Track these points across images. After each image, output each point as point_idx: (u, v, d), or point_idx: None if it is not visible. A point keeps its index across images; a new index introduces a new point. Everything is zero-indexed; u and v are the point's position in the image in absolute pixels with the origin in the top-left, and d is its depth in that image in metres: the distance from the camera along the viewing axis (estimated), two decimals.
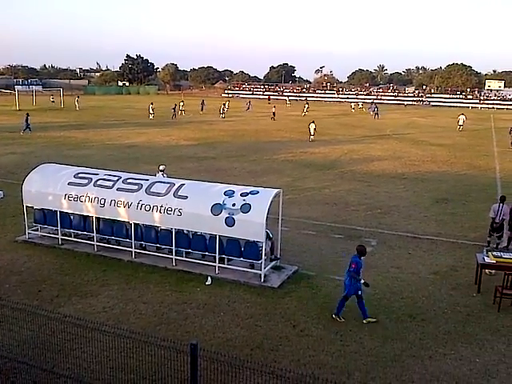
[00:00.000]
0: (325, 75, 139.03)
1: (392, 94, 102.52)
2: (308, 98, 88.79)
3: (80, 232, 14.20)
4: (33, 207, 14.69)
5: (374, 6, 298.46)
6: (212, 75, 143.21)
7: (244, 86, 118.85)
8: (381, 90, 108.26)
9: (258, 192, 12.36)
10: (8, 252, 13.60)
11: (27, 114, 38.60)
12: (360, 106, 74.58)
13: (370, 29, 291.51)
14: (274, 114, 54.33)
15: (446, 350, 9.20)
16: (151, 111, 52.04)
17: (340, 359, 8.81)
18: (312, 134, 37.10)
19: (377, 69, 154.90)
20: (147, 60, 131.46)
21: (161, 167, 17.08)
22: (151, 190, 13.19)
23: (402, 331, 9.81)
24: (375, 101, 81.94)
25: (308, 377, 6.59)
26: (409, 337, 9.61)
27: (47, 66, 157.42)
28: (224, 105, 57.23)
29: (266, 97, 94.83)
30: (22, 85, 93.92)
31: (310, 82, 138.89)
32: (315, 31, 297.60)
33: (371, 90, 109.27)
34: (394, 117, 60.62)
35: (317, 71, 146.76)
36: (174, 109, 52.32)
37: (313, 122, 37.64)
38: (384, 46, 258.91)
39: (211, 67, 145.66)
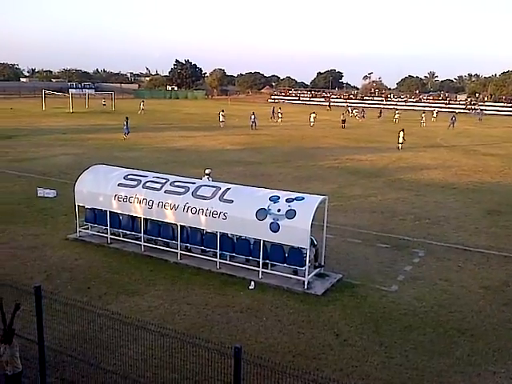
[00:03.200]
0: (373, 81, 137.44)
1: (443, 101, 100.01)
2: (355, 105, 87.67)
3: (128, 232, 14.55)
4: (84, 206, 15.17)
5: (425, 9, 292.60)
6: (259, 80, 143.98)
7: (290, 92, 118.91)
8: (431, 98, 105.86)
9: (304, 198, 12.30)
10: (60, 249, 14.08)
11: (127, 118, 39.13)
12: (398, 115, 69.31)
13: (421, 34, 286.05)
14: (343, 121, 53.16)
15: (496, 367, 8.85)
16: (222, 118, 50.06)
17: (384, 371, 8.63)
18: (401, 142, 36.78)
19: (427, 75, 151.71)
20: (195, 65, 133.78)
21: (207, 171, 17.29)
22: (197, 193, 13.36)
23: (450, 346, 9.50)
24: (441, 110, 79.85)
25: None
26: (456, 352, 9.30)
27: (99, 70, 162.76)
28: (276, 109, 58.03)
29: (326, 103, 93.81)
30: (75, 88, 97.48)
31: (357, 89, 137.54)
32: (364, 37, 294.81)
33: (421, 97, 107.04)
34: (445, 125, 59.06)
35: (365, 77, 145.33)
36: (253, 120, 48.46)
37: (402, 130, 37.33)
38: (435, 52, 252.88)
39: (258, 72, 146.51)
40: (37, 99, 76.99)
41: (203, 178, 16.46)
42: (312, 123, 53.44)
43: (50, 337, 7.28)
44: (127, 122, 38.74)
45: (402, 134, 36.99)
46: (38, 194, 19.68)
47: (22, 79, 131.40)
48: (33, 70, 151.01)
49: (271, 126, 50.84)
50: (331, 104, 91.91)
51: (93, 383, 7.70)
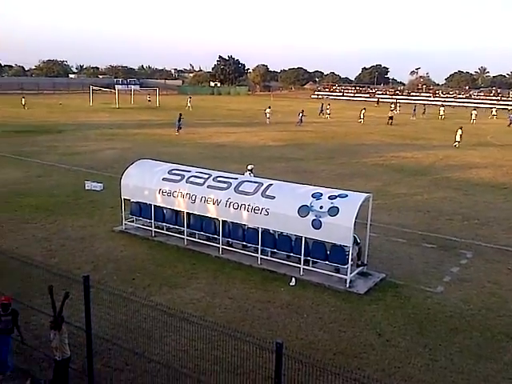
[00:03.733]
0: (420, 77, 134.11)
1: (494, 97, 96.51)
2: (401, 101, 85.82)
3: (172, 226, 14.79)
4: (129, 200, 15.52)
5: (475, 3, 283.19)
6: (302, 76, 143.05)
7: (334, 88, 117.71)
8: (482, 94, 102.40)
9: (347, 195, 12.16)
10: (106, 241, 14.48)
11: (180, 115, 39.88)
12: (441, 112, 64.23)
13: (472, 28, 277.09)
14: (391, 118, 51.97)
15: None
16: (268, 115, 49.58)
17: (428, 373, 8.44)
18: (458, 140, 36.01)
19: (478, 71, 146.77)
20: (238, 61, 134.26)
21: (249, 166, 17.33)
22: (240, 189, 13.42)
23: (498, 351, 9.20)
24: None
25: None
26: (505, 357, 8.99)
27: (144, 67, 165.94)
28: (325, 105, 57.95)
29: (371, 99, 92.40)
30: (121, 84, 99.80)
31: (403, 84, 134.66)
32: (412, 32, 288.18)
33: (471, 93, 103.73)
34: (497, 122, 57.10)
35: (412, 72, 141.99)
36: (301, 117, 48.14)
37: (460, 128, 36.50)
38: (486, 46, 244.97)
39: (301, 68, 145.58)
40: (85, 95, 79.27)
41: (245, 174, 16.52)
42: (361, 120, 52.57)
43: (97, 325, 7.49)
44: (180, 119, 39.38)
45: (459, 131, 35.98)
46: (86, 187, 20.28)
47: (70, 75, 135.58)
48: (81, 67, 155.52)
49: (315, 123, 50.44)
50: (379, 100, 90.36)
51: (137, 371, 7.89)
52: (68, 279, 7.82)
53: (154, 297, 10.49)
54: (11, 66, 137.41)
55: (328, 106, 59.12)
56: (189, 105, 63.12)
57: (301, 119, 48.09)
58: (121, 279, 11.64)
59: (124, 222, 15.45)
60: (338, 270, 12.08)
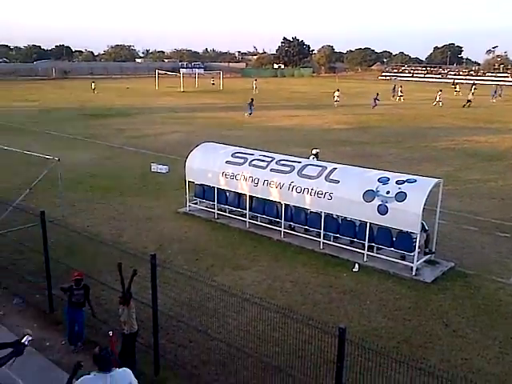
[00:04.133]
0: (497, 56, 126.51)
1: None
2: (476, 82, 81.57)
3: (234, 208, 14.94)
4: (193, 182, 15.80)
5: None
6: (369, 57, 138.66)
7: (403, 68, 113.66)
8: None
9: (416, 181, 11.74)
10: (171, 221, 14.86)
11: (252, 100, 40.30)
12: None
13: None
14: (469, 100, 48.69)
15: None
16: (336, 98, 48.59)
17: (497, 367, 8.08)
18: None
19: None
20: (303, 42, 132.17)
21: (314, 151, 17.15)
22: (303, 173, 13.31)
23: None
24: None
25: (462, 379, 6.15)
26: None
27: (208, 50, 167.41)
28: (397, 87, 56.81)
29: (444, 80, 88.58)
30: (186, 68, 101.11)
31: (478, 64, 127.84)
32: (488, 7, 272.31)
33: None
34: None
35: (488, 51, 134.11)
36: (375, 98, 47.00)
37: None
38: None
39: (368, 48, 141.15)
40: (151, 79, 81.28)
41: (310, 158, 16.36)
42: (438, 102, 49.80)
43: (162, 302, 7.71)
44: (252, 103, 39.42)
45: None
46: (152, 170, 20.87)
47: (137, 60, 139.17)
48: (147, 51, 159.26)
49: (385, 105, 48.80)
50: (455, 82, 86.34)
51: (200, 348, 8.08)
52: (135, 257, 8.08)
53: (216, 277, 10.66)
54: (81, 52, 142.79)
55: (400, 88, 57.17)
56: (255, 87, 63.12)
57: (375, 102, 46.85)
58: (185, 259, 11.91)
59: (188, 203, 15.77)
60: (403, 257, 11.75)
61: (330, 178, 12.78)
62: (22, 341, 4.89)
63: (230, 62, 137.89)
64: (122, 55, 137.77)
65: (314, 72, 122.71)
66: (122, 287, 7.48)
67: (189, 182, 15.73)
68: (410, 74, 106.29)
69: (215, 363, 7.80)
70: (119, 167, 21.66)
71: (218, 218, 15.05)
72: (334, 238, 13.00)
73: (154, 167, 20.95)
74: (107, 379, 4.74)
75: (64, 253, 10.58)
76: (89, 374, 4.80)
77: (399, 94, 56.31)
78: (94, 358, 4.85)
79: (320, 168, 13.27)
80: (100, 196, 17.18)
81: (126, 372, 4.96)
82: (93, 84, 62.97)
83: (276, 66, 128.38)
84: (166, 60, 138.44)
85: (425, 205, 11.00)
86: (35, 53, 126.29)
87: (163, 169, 20.78)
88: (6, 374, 5.92)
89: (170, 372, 7.61)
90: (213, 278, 10.45)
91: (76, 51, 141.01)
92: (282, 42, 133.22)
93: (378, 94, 47.45)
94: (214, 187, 15.01)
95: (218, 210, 15.19)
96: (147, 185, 18.85)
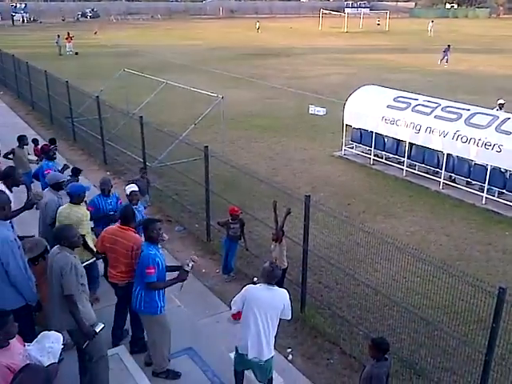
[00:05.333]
0: None
1: None
2: None
3: (391, 155, 14.43)
4: (351, 126, 15.53)
5: None
6: None
7: None
8: None
9: None
10: (325, 164, 14.91)
11: (448, 46, 35.70)
12: None
13: None
14: None
15: None
16: None
17: None
18: None
19: None
20: None
21: (500, 101, 15.58)
22: (471, 121, 12.31)
23: None
24: None
25: None
26: None
27: None
28: None
29: None
30: (351, 7, 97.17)
31: None
32: None
33: None
34: None
35: None
36: None
37: None
38: None
39: None
40: (314, 19, 79.87)
41: (494, 110, 14.79)
42: None
43: (312, 242, 7.87)
44: (448, 49, 35.98)
45: None
46: (310, 111, 20.91)
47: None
48: None
49: None
50: None
51: (346, 291, 8.19)
52: (289, 197, 8.29)
53: (367, 223, 10.50)
54: None
55: None
56: (430, 30, 58.41)
57: None
58: (336, 203, 11.94)
59: (344, 147, 15.62)
60: None
61: (502, 128, 11.65)
62: (186, 268, 5.28)
63: (398, 1, 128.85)
64: None
65: (490, 13, 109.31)
66: (276, 225, 7.79)
67: (346, 125, 15.50)
68: None
69: (360, 308, 7.86)
70: (278, 108, 22.10)
71: (373, 164, 14.71)
72: (499, 193, 11.93)
73: (312, 109, 20.97)
74: (270, 292, 5.10)
75: (222, 187, 11.25)
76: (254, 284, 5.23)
77: None
78: (263, 271, 5.23)
79: (491, 117, 12.16)
80: (258, 135, 17.81)
81: (285, 293, 5.29)
82: (257, 23, 64.02)
83: (448, 5, 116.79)
84: None
85: None
86: None
87: (321, 111, 20.70)
88: (169, 299, 6.57)
89: (315, 310, 7.87)
90: (364, 224, 10.39)
91: None
92: None
93: None
94: (372, 132, 14.61)
95: (375, 155, 14.81)
96: (304, 126, 19.01)
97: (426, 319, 6.76)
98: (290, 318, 5.31)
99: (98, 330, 4.52)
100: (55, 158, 9.60)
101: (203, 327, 6.95)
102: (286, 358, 6.80)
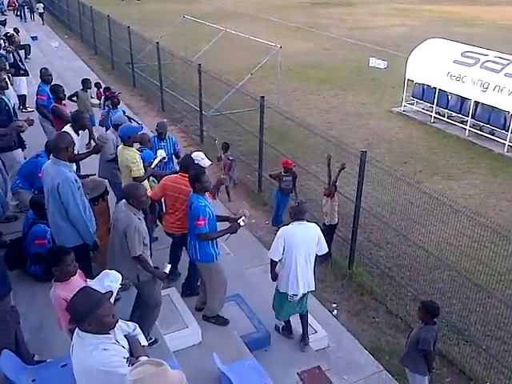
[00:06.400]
0: None
1: None
2: None
3: (454, 113, 13.76)
4: (413, 81, 14.86)
5: None
6: None
7: None
8: None
9: None
10: (382, 120, 14.43)
11: None
12: None
13: None
14: None
15: None
16: None
17: None
18: None
19: None
20: None
21: None
22: None
23: None
24: None
25: None
26: None
27: None
28: None
29: None
30: None
31: None
32: None
33: None
34: None
35: None
36: None
37: None
38: None
39: None
40: None
41: None
42: None
43: (364, 199, 7.70)
44: None
45: None
46: (370, 64, 20.14)
47: None
48: None
49: None
50: None
51: (396, 251, 8.04)
52: (344, 152, 8.09)
53: (424, 184, 10.21)
54: None
55: None
56: None
57: None
58: (392, 161, 11.58)
59: (403, 103, 15.03)
60: None
61: None
62: (239, 221, 5.28)
63: None
64: None
65: None
66: (329, 179, 7.66)
67: (408, 80, 14.85)
68: None
69: (410, 269, 7.73)
70: (336, 59, 21.40)
71: (434, 122, 14.11)
72: None
73: (372, 62, 20.17)
74: (303, 227, 5.28)
75: (276, 139, 11.12)
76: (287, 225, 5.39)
77: None
78: (291, 210, 5.42)
79: None
80: (314, 87, 17.39)
81: (316, 226, 5.43)
82: None
83: None
84: None
85: None
86: None
87: (381, 64, 19.88)
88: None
89: (363, 268, 7.80)
90: (420, 183, 10.08)
91: None
92: None
93: None
94: (435, 88, 13.94)
95: (436, 113, 14.18)
96: (362, 80, 18.37)
97: (479, 285, 6.55)
98: (326, 251, 5.45)
99: (167, 271, 4.67)
100: (119, 104, 9.65)
101: (251, 276, 7.05)
102: (331, 313, 6.83)
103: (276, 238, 5.29)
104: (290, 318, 5.72)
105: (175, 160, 7.68)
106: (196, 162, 6.20)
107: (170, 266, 4.74)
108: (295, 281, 5.28)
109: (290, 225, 5.35)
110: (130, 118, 9.12)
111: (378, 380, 5.68)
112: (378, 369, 5.81)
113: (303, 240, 5.25)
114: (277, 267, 5.40)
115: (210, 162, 6.54)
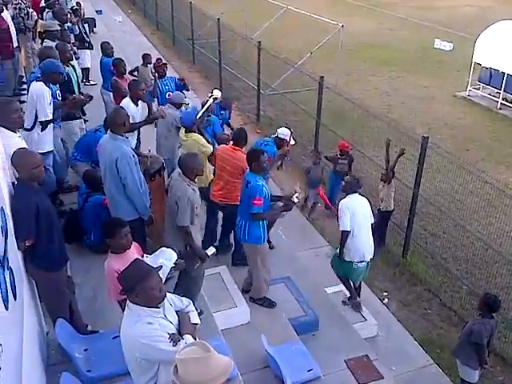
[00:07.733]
0: None
1: None
2: None
3: None
4: (480, 65, 14.15)
5: None
6: None
7: None
8: None
9: None
10: (446, 105, 13.87)
11: None
12: None
13: None
14: None
15: None
16: None
17: None
18: None
19: None
20: None
21: None
22: None
23: None
24: None
25: None
26: None
27: None
28: None
29: None
30: None
31: None
32: None
33: None
34: None
35: None
36: None
37: None
38: None
39: None
40: None
41: None
42: None
43: (422, 186, 7.45)
44: None
45: None
46: (435, 46, 19.32)
47: None
48: None
49: None
50: None
51: (453, 242, 7.77)
52: (404, 136, 7.82)
53: (486, 173, 9.75)
54: None
55: None
56: None
57: None
58: (454, 147, 11.07)
59: (469, 87, 14.36)
60: None
61: None
62: (292, 198, 5.22)
63: None
64: None
65: None
66: (386, 164, 7.44)
67: (475, 63, 14.14)
68: None
69: (467, 261, 7.46)
70: (400, 40, 20.62)
71: (500, 109, 13.42)
72: None
73: (438, 43, 19.32)
74: (359, 198, 5.82)
75: (333, 121, 10.87)
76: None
77: None
78: (349, 182, 5.89)
79: None
80: (376, 68, 16.88)
81: (367, 202, 5.88)
82: None
83: None
84: None
85: None
86: None
87: (447, 46, 19.02)
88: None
89: (417, 257, 7.60)
90: (482, 173, 9.64)
91: None
92: None
93: None
94: (503, 73, 13.20)
95: (503, 99, 13.46)
96: (426, 62, 17.65)
97: None
98: (373, 221, 5.92)
99: (209, 254, 4.70)
100: (165, 75, 9.63)
101: (302, 259, 7.01)
102: (382, 301, 6.71)
103: (341, 211, 5.65)
104: None
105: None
106: (282, 137, 6.28)
107: (214, 250, 4.76)
108: (362, 248, 5.66)
109: (346, 198, 5.74)
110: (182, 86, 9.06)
111: (427, 373, 5.56)
112: (427, 362, 5.69)
113: (363, 209, 5.73)
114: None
115: (295, 142, 6.63)
